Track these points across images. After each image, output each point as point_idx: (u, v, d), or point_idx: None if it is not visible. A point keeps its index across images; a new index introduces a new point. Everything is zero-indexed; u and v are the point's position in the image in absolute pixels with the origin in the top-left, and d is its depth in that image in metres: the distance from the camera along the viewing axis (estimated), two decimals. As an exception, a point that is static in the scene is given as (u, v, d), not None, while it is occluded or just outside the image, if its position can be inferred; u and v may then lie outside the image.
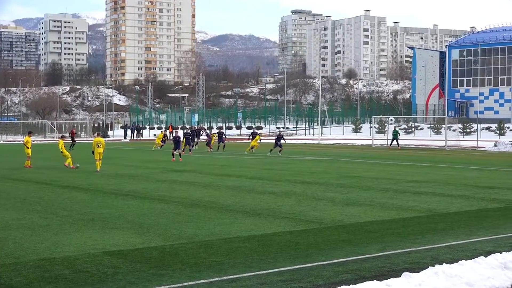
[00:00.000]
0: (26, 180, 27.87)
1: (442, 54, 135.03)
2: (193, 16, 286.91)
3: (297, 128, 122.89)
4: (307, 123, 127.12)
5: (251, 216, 17.20)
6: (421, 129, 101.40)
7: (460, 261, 10.91)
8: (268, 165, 37.65)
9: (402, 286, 9.39)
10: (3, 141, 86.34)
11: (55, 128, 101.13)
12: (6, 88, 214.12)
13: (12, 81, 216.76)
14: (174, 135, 58.87)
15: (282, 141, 48.53)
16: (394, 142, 60.69)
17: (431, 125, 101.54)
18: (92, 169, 33.13)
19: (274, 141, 50.47)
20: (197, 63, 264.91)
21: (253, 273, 10.74)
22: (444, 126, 73.74)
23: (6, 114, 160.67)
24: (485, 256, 11.32)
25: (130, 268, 11.14)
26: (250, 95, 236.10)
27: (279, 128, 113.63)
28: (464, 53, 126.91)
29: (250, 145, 53.19)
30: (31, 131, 46.07)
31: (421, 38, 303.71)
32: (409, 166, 37.04)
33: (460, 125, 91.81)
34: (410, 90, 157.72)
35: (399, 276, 9.95)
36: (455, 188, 24.28)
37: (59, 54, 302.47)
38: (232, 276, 10.52)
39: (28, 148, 35.93)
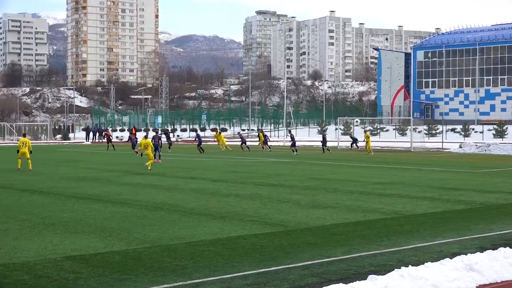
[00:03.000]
0: (-16, 184, 27.52)
1: (407, 55, 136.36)
2: (156, 16, 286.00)
3: (263, 129, 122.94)
4: (272, 125, 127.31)
5: (215, 219, 17.17)
6: (387, 130, 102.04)
7: (426, 263, 11.00)
8: (233, 167, 37.65)
9: (368, 288, 9.44)
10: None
11: (14, 131, 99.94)
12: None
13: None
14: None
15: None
16: (358, 144, 60.94)
17: (396, 126, 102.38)
18: (52, 172, 32.82)
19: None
20: (161, 64, 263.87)
21: (217, 277, 10.72)
22: (409, 127, 74.50)
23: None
24: (451, 258, 11.44)
25: (92, 273, 11.05)
26: (215, 96, 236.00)
27: (243, 130, 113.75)
28: (429, 55, 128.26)
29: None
30: None
31: (386, 39, 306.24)
32: (375, 168, 37.28)
33: (425, 127, 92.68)
34: (376, 92, 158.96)
35: (365, 278, 10.01)
36: (420, 190, 24.49)
37: (19, 54, 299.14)
38: (196, 281, 10.49)
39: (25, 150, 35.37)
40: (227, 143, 61.27)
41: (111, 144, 63.21)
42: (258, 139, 61.98)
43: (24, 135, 39.45)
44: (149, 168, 34.56)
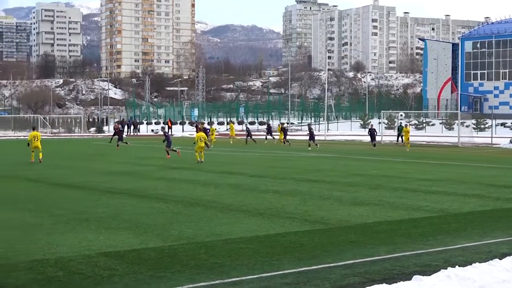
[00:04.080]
0: (16, 177, 27.91)
1: (455, 46, 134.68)
2: (193, 5, 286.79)
3: (302, 124, 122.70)
4: (312, 118, 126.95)
5: (253, 216, 17.20)
6: (433, 125, 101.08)
7: (473, 264, 10.91)
8: (272, 162, 37.66)
9: (413, 289, 9.40)
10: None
11: (47, 123, 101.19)
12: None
13: (3, 74, 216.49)
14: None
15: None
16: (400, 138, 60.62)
17: (443, 120, 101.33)
18: (87, 166, 33.15)
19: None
20: (197, 55, 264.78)
21: (256, 276, 10.74)
22: (457, 122, 73.64)
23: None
24: (500, 259, 11.33)
25: (127, 270, 11.15)
26: (253, 88, 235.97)
27: (282, 123, 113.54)
28: (478, 45, 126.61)
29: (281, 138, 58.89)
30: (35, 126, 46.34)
31: (433, 29, 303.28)
32: (420, 163, 37.00)
33: (473, 121, 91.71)
34: (421, 84, 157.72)
35: (409, 279, 9.96)
36: (468, 187, 24.26)
37: (52, 45, 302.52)
38: (234, 279, 10.52)
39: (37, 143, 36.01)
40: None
41: (119, 138, 58.74)
42: (279, 134, 61.94)
43: (33, 129, 39.85)
44: (202, 159, 35.09)
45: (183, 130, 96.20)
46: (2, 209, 18.37)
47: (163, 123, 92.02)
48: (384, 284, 9.69)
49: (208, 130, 55.10)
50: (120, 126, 59.17)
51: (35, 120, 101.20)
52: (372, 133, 55.86)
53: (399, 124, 66.84)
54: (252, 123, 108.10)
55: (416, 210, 18.33)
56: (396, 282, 9.80)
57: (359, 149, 51.29)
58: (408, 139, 53.12)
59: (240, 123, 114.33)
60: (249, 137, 59.72)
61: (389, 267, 11.37)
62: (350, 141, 70.15)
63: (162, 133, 42.33)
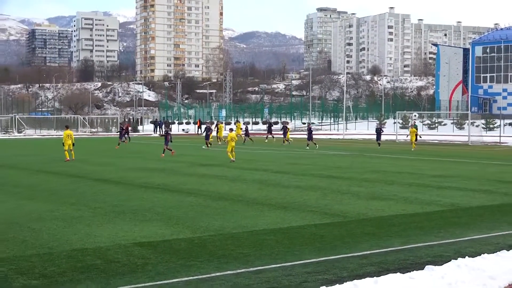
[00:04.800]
0: (58, 173, 28.13)
1: (466, 50, 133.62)
2: (221, 13, 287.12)
3: (322, 124, 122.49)
4: (332, 118, 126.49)
5: (277, 209, 17.21)
6: (445, 124, 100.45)
7: (482, 255, 10.86)
8: (294, 159, 37.62)
9: (425, 278, 9.37)
10: (37, 135, 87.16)
11: (87, 123, 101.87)
12: (40, 84, 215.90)
13: (46, 77, 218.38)
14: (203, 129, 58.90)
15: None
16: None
17: (454, 120, 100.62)
18: (122, 163, 33.32)
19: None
20: (225, 60, 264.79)
21: (279, 265, 10.76)
22: (467, 121, 73.30)
23: (40, 109, 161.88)
24: (508, 250, 11.28)
25: (160, 259, 11.22)
26: (276, 91, 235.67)
27: (305, 123, 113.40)
28: (488, 50, 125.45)
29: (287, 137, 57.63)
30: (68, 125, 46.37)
31: (445, 35, 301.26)
32: (433, 161, 36.82)
33: (483, 121, 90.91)
34: (434, 86, 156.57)
35: (422, 269, 9.94)
36: (478, 182, 24.11)
37: (91, 51, 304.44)
38: (258, 268, 10.56)
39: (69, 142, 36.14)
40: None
41: (128, 136, 59.89)
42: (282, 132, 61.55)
43: (67, 127, 39.69)
44: (233, 159, 34.34)
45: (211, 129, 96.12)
46: (46, 202, 18.53)
47: (193, 123, 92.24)
48: (398, 273, 9.67)
49: (210, 130, 54.27)
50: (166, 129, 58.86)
51: (75, 120, 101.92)
52: (378, 132, 54.60)
53: (413, 124, 66.19)
54: (275, 123, 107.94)
55: (428, 204, 18.25)
56: (410, 272, 9.78)
57: (375, 148, 51.04)
58: (414, 139, 51.01)
59: (264, 123, 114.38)
60: (247, 136, 58.76)
61: (403, 258, 11.35)
62: (367, 140, 69.85)
63: (184, 132, 42.49)
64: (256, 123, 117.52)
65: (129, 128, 68.67)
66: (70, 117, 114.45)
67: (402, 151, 46.38)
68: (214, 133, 56.35)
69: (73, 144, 35.79)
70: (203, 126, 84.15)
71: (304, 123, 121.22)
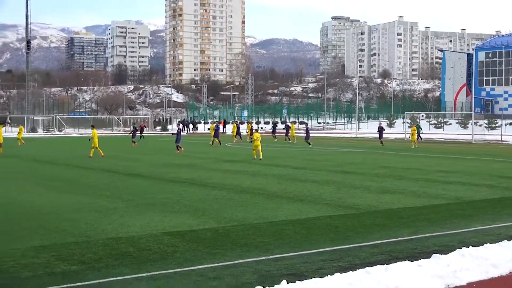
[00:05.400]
0: (95, 169, 28.27)
1: (469, 56, 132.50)
2: (243, 22, 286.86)
3: (336, 123, 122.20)
4: (345, 118, 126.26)
5: (295, 202, 17.19)
6: (450, 124, 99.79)
7: (485, 245, 10.79)
8: (311, 156, 37.56)
9: (432, 266, 9.32)
10: (75, 133, 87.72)
11: (121, 123, 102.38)
12: (78, 87, 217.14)
13: (84, 81, 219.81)
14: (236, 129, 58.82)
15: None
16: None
17: (459, 120, 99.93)
18: (152, 159, 33.45)
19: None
20: (247, 65, 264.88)
21: (296, 253, 10.75)
22: (471, 121, 72.62)
23: (79, 110, 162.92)
24: (509, 240, 11.20)
25: (187, 247, 11.25)
26: (294, 93, 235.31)
27: (320, 123, 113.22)
28: (490, 55, 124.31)
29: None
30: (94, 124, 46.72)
31: (450, 41, 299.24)
32: (439, 158, 36.60)
33: (485, 121, 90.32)
34: (440, 89, 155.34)
35: (429, 257, 9.88)
36: (480, 178, 23.93)
37: (124, 56, 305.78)
38: (277, 256, 10.56)
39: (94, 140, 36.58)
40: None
41: (142, 136, 61.06)
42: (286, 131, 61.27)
43: (93, 127, 40.16)
44: (261, 157, 33.29)
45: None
46: (83, 195, 18.65)
47: (217, 122, 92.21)
48: (407, 261, 9.63)
49: (219, 128, 54.13)
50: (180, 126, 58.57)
51: (110, 120, 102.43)
52: (380, 131, 53.09)
53: (415, 123, 65.56)
54: (293, 122, 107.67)
55: (435, 198, 18.14)
56: (418, 260, 9.72)
57: (386, 145, 50.78)
58: (415, 137, 50.30)
59: (283, 122, 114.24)
60: (238, 135, 57.82)
61: (411, 247, 11.30)
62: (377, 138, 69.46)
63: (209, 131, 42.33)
64: (276, 122, 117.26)
65: (145, 128, 68.81)
66: (105, 117, 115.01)
67: (410, 149, 46.11)
68: (229, 132, 56.09)
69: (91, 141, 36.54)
70: (227, 125, 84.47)
71: (319, 123, 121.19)
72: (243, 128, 69.77)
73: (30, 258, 10.43)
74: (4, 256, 10.55)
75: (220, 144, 49.91)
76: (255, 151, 33.86)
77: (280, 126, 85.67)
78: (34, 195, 18.57)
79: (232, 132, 60.43)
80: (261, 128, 35.28)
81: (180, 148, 40.30)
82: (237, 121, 70.16)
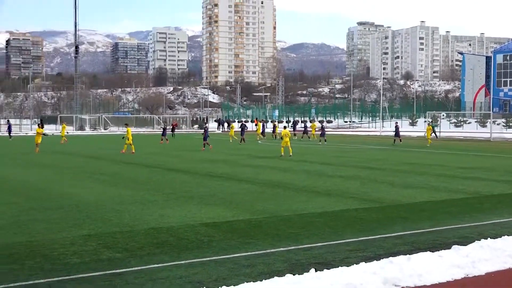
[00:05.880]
0: (136, 164, 28.53)
1: (488, 58, 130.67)
2: (274, 28, 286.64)
3: (362, 122, 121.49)
4: (370, 117, 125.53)
5: (323, 195, 17.14)
6: (469, 123, 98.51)
7: (503, 237, 10.64)
8: (337, 153, 37.41)
9: (452, 257, 9.23)
10: (119, 131, 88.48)
11: (161, 121, 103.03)
12: (122, 89, 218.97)
13: (127, 83, 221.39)
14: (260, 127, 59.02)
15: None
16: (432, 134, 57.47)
17: (477, 119, 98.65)
18: (190, 155, 33.60)
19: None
20: (277, 67, 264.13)
21: (324, 243, 10.73)
22: (489, 120, 71.63)
23: (122, 109, 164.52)
24: (525, 233, 11.02)
25: (222, 237, 11.29)
26: (322, 94, 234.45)
27: (346, 121, 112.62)
28: (508, 58, 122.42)
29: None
30: (127, 123, 47.20)
31: (470, 44, 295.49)
32: (459, 155, 36.18)
33: (503, 120, 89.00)
34: (460, 90, 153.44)
35: (449, 248, 9.78)
36: (499, 174, 23.59)
37: (164, 60, 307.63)
38: (307, 245, 10.56)
39: (129, 138, 37.10)
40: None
41: (173, 133, 63.54)
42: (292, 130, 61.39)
43: (126, 125, 41.09)
44: (290, 154, 33.06)
45: (267, 127, 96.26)
46: (127, 188, 18.82)
47: (251, 121, 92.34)
48: (428, 252, 9.55)
49: (246, 127, 53.72)
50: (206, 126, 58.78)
51: (151, 119, 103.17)
52: (396, 129, 51.68)
53: (429, 122, 64.48)
54: (321, 121, 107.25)
55: (455, 192, 17.95)
56: (438, 250, 9.63)
57: (407, 143, 50.36)
58: (429, 135, 49.84)
59: (311, 121, 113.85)
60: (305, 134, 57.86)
61: (432, 238, 11.20)
62: (401, 136, 68.83)
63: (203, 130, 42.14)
64: (305, 121, 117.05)
65: (176, 126, 69.56)
66: (147, 116, 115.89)
67: (431, 146, 45.66)
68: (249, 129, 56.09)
69: (127, 139, 37.23)
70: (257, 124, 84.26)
71: (346, 122, 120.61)
72: (269, 127, 69.82)
73: (79, 246, 10.58)
74: (55, 244, 10.73)
75: (241, 142, 49.39)
76: (283, 147, 33.60)
77: (300, 125, 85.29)
78: (82, 188, 18.81)
79: (256, 130, 60.62)
80: (283, 127, 35.03)
81: (208, 145, 40.42)
82: (262, 120, 70.08)
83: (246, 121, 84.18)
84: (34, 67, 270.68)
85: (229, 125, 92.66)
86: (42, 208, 14.71)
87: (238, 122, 64.45)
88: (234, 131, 56.21)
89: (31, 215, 13.68)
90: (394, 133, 51.62)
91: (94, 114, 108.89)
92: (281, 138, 34.34)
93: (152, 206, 15.03)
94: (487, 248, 9.73)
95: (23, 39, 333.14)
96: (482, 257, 9.25)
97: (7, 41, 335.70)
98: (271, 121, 76.96)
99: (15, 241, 10.95)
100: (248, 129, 58.33)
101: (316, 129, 60.22)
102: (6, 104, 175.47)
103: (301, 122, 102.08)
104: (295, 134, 61.42)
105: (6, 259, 9.66)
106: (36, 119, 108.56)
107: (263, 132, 58.38)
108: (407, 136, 64.88)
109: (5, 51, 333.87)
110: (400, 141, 50.02)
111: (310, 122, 56.58)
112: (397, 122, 61.70)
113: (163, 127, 55.55)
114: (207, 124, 55.65)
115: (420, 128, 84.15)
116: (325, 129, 51.93)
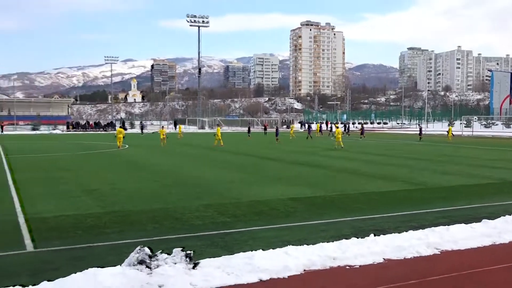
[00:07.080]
0: (243, 154, 28.80)
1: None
2: (343, 52, 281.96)
3: (410, 124, 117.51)
4: (417, 120, 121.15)
5: (379, 179, 16.75)
6: (496, 125, 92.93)
7: (524, 214, 10.05)
8: (387, 146, 36.40)
9: (482, 228, 8.83)
10: (229, 130, 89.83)
11: (259, 123, 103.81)
12: (231, 99, 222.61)
13: (235, 95, 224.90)
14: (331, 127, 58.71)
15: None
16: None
17: (503, 122, 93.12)
18: (279, 147, 33.66)
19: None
20: (346, 83, 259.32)
21: (381, 215, 10.51)
22: (513, 122, 67.41)
23: (231, 114, 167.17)
24: (543, 211, 10.34)
25: (304, 209, 11.28)
26: (379, 102, 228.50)
27: (400, 123, 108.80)
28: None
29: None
30: (219, 124, 47.20)
31: (497, 63, 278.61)
32: (487, 149, 34.32)
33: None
34: (489, 99, 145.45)
35: (479, 221, 9.35)
36: (520, 164, 22.21)
37: (262, 78, 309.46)
38: (368, 216, 10.37)
39: (218, 135, 37.10)
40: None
41: (265, 132, 62.64)
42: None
43: (217, 125, 40.78)
44: (342, 145, 33.19)
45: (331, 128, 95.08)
46: (235, 172, 19.11)
47: (325, 123, 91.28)
48: (462, 224, 9.17)
49: (310, 128, 52.71)
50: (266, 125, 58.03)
51: (251, 121, 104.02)
52: (420, 129, 49.15)
53: (450, 123, 61.14)
54: (379, 123, 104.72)
55: (485, 178, 17.07)
56: (471, 223, 9.23)
57: (444, 140, 48.24)
58: (451, 133, 47.95)
59: (372, 123, 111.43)
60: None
61: (466, 214, 10.73)
62: (441, 134, 66.25)
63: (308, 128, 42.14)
64: (366, 123, 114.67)
65: (267, 126, 69.81)
66: (249, 119, 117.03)
67: (465, 142, 43.55)
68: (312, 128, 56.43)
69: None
70: (325, 125, 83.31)
71: (398, 123, 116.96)
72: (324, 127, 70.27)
73: (200, 212, 10.87)
74: (184, 210, 11.08)
75: (308, 138, 48.21)
76: (337, 142, 33.85)
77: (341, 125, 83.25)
78: (203, 171, 19.27)
79: (316, 129, 62.51)
80: (336, 127, 34.63)
81: (278, 139, 41.11)
82: (320, 122, 69.88)
83: (312, 123, 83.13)
84: (169, 84, 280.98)
85: (303, 125, 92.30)
86: (175, 185, 15.21)
87: (308, 123, 65.14)
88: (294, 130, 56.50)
89: (167, 190, 14.18)
90: (418, 132, 49.24)
91: (211, 117, 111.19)
92: (334, 135, 34.89)
93: (252, 185, 15.19)
94: (511, 222, 9.23)
95: (162, 64, 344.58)
96: (507, 228, 8.79)
97: (152, 66, 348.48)
98: (330, 123, 76.23)
99: (156, 207, 11.40)
100: (312, 129, 58.19)
101: (356, 129, 59.36)
102: (151, 110, 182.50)
103: (358, 123, 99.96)
104: (348, 133, 60.48)
105: (150, 220, 10.08)
106: (171, 121, 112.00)
107: (320, 131, 60.10)
108: (443, 135, 62.21)
109: (150, 72, 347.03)
110: (420, 139, 46.51)
111: (335, 125, 50.05)
112: (420, 124, 59.55)
113: (276, 126, 52.51)
114: (278, 125, 55.74)
115: (457, 128, 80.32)
116: (364, 129, 51.83)
